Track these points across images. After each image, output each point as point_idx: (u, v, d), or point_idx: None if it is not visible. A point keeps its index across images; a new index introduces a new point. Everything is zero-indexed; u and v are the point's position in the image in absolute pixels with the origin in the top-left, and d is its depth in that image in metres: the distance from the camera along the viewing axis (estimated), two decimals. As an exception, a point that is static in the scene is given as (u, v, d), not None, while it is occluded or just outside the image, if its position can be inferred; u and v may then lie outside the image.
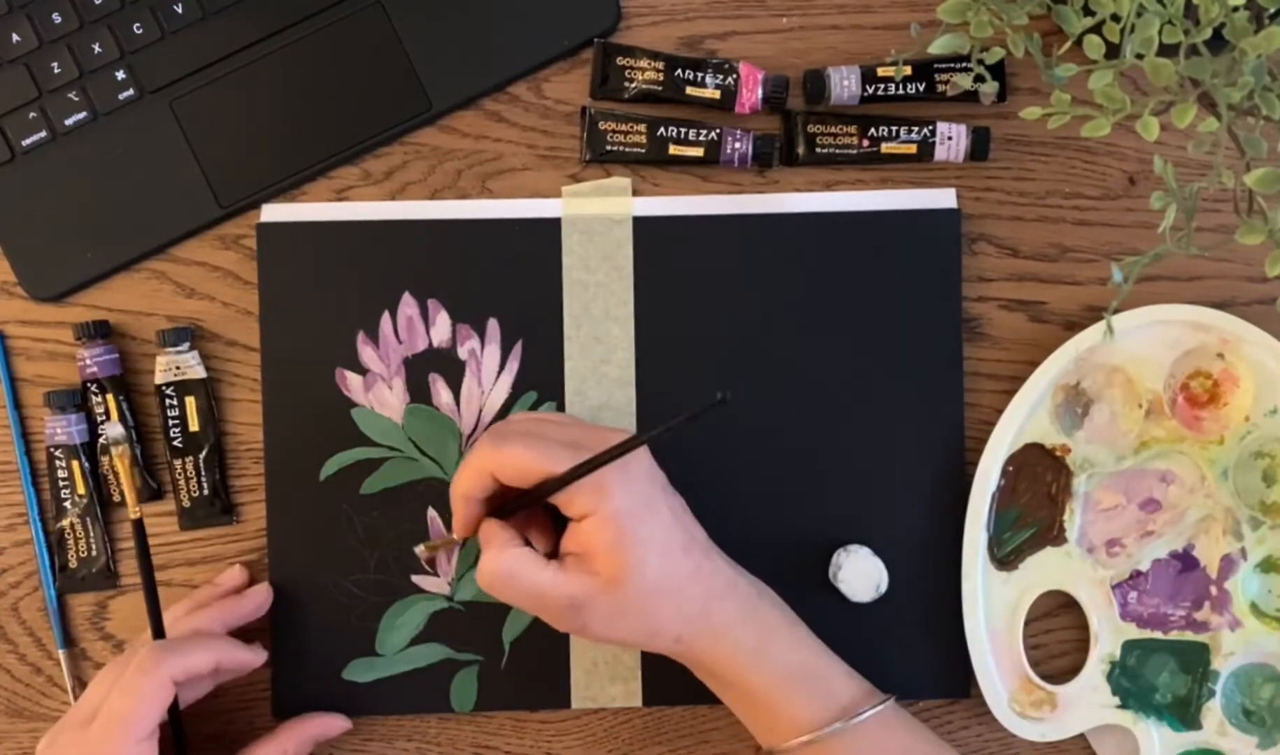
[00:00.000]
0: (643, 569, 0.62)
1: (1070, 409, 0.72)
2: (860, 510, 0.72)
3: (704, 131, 0.72)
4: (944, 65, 0.72)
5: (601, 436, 0.64)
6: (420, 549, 0.70)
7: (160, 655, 0.63)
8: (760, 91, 0.72)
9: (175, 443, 0.71)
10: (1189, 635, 0.71)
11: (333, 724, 0.70)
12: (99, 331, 0.71)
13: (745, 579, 0.66)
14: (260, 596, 0.70)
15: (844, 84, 0.72)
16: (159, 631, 0.66)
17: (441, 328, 0.72)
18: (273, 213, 0.72)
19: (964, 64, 0.71)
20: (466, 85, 0.73)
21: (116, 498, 0.71)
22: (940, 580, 0.71)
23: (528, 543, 0.64)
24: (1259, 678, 0.71)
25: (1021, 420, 0.71)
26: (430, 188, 0.73)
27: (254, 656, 0.68)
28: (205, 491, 0.72)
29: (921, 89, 0.72)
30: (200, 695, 0.68)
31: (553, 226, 0.72)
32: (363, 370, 0.72)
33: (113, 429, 0.66)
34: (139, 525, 0.66)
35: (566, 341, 0.72)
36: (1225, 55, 0.58)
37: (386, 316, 0.72)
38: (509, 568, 0.63)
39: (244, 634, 0.69)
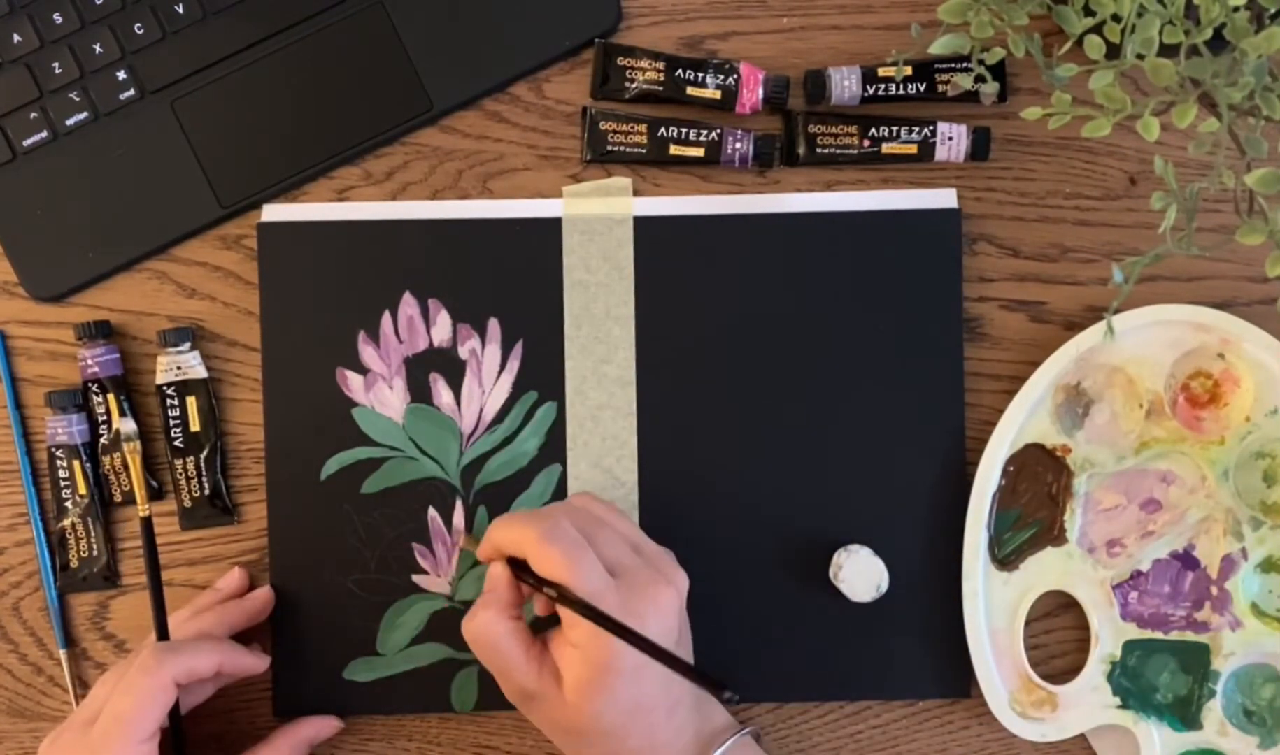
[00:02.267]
0: (600, 716, 0.61)
1: (1071, 409, 0.72)
2: (860, 510, 0.72)
3: (704, 132, 0.72)
4: (945, 65, 0.72)
5: (647, 576, 0.63)
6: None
7: (163, 656, 0.63)
8: (761, 92, 0.72)
9: (176, 443, 0.71)
10: (1189, 635, 0.71)
11: (326, 725, 0.70)
12: (100, 331, 0.71)
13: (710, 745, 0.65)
14: (262, 601, 0.70)
15: (844, 84, 0.72)
16: (163, 632, 0.66)
17: (442, 327, 0.72)
18: (274, 213, 0.72)
19: (965, 64, 0.71)
20: (467, 85, 0.73)
21: (118, 498, 0.71)
22: (940, 580, 0.71)
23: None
24: (1259, 678, 0.71)
25: (1022, 420, 0.71)
26: (431, 188, 0.73)
27: (257, 662, 0.68)
28: (206, 491, 0.72)
29: (922, 89, 0.72)
30: (201, 699, 0.68)
31: (553, 226, 0.72)
32: (363, 370, 0.72)
33: (127, 424, 0.66)
34: (148, 523, 0.66)
35: (567, 341, 0.72)
36: (1226, 55, 0.58)
37: (387, 316, 0.72)
38: (495, 637, 0.62)
39: (245, 634, 0.69)
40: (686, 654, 0.66)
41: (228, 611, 0.69)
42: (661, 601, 0.62)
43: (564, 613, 0.62)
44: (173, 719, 0.65)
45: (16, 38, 0.71)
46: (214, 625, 0.68)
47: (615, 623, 0.60)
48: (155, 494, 0.72)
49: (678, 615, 0.63)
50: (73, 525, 0.71)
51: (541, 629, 0.64)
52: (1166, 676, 0.71)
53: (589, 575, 0.61)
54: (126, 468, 0.71)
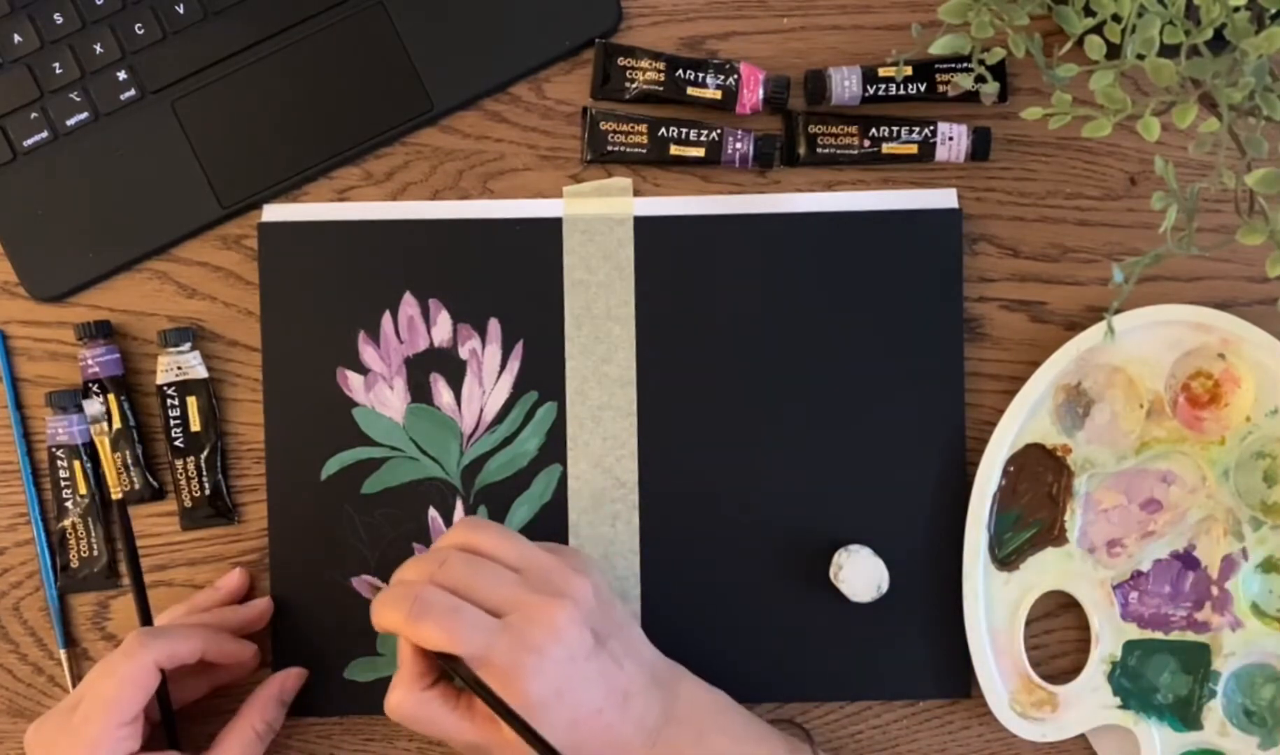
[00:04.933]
0: (549, 736, 0.60)
1: (1071, 409, 0.72)
2: (860, 510, 0.72)
3: (705, 132, 0.72)
4: (945, 65, 0.72)
5: (534, 604, 0.61)
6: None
7: (144, 639, 0.63)
8: (761, 92, 0.72)
9: (177, 443, 0.71)
10: (1190, 635, 0.71)
11: (289, 677, 0.70)
12: (100, 331, 0.71)
13: (674, 722, 0.64)
14: (260, 608, 0.70)
15: (845, 84, 0.72)
16: (145, 618, 0.66)
17: (442, 327, 0.72)
18: (274, 213, 0.72)
19: (965, 64, 0.71)
20: (468, 86, 0.73)
21: (118, 497, 0.71)
22: (941, 580, 0.71)
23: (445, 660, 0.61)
24: (1260, 678, 0.71)
25: (1022, 420, 0.71)
26: (431, 188, 0.73)
27: (243, 650, 0.68)
28: (206, 491, 0.72)
29: (922, 89, 0.72)
30: (197, 695, 0.69)
31: (554, 226, 0.72)
32: (364, 370, 0.72)
33: (90, 406, 0.65)
34: (122, 506, 0.65)
35: (567, 341, 0.72)
36: (1226, 56, 0.58)
37: (388, 316, 0.72)
38: (414, 710, 0.62)
39: (245, 638, 0.70)
40: (626, 631, 0.65)
41: (223, 614, 0.69)
42: (557, 623, 0.61)
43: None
44: (164, 712, 0.66)
45: (17, 38, 0.71)
46: (207, 623, 0.68)
47: (493, 697, 0.59)
48: (156, 494, 0.72)
49: (583, 623, 0.62)
50: (73, 525, 0.71)
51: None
52: (1167, 676, 0.71)
53: (469, 638, 0.60)
54: (128, 467, 0.71)
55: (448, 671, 0.63)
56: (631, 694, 0.63)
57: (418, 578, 0.62)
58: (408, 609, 0.60)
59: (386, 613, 0.61)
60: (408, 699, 0.62)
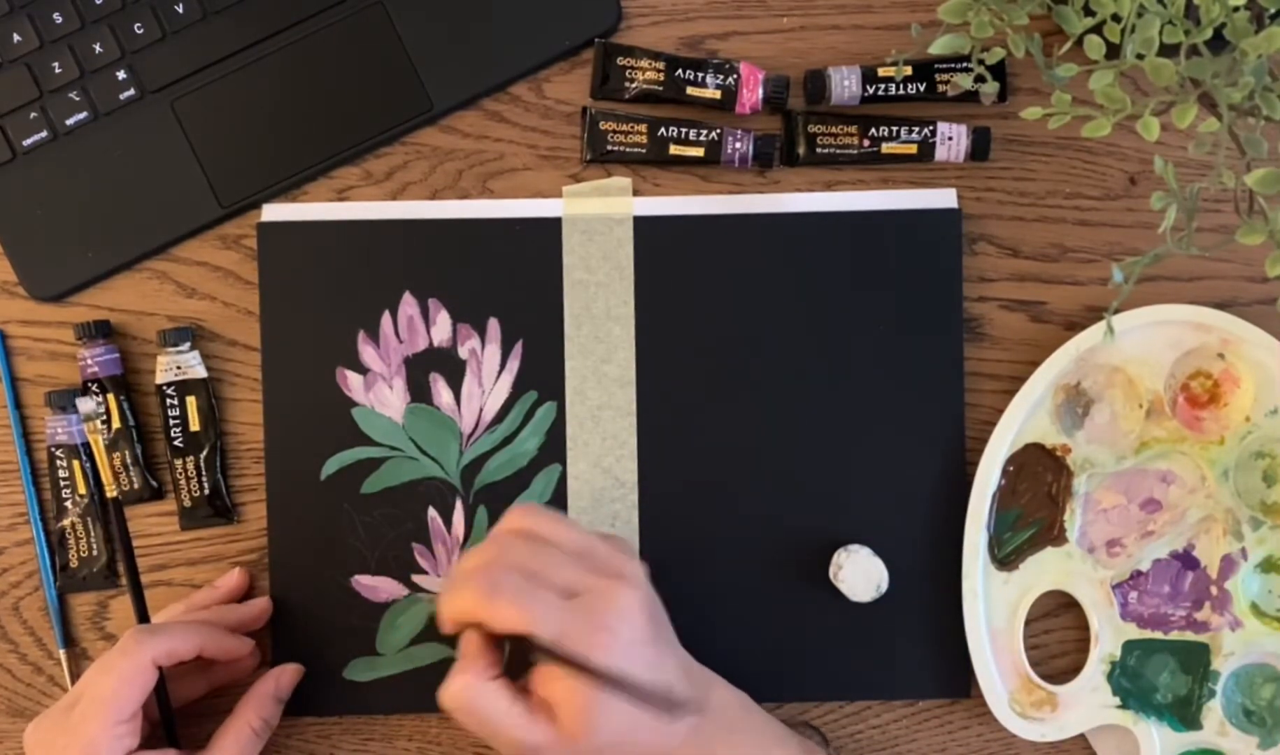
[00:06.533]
0: (605, 731, 0.60)
1: (1071, 409, 0.72)
2: (860, 510, 0.72)
3: (704, 131, 0.72)
4: (945, 65, 0.72)
5: (604, 587, 0.61)
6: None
7: (141, 637, 0.63)
8: (761, 92, 0.72)
9: (176, 442, 0.71)
10: (1189, 635, 0.71)
11: (284, 673, 0.69)
12: (100, 331, 0.71)
13: (708, 718, 0.64)
14: (258, 607, 0.70)
15: (844, 84, 0.72)
16: (142, 616, 0.66)
17: (442, 327, 0.72)
18: (274, 212, 0.72)
19: (965, 64, 0.71)
20: (467, 85, 0.73)
21: (112, 493, 0.71)
22: (940, 580, 0.71)
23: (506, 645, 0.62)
24: (1259, 678, 0.71)
25: (1022, 420, 0.71)
26: (431, 188, 0.73)
27: (242, 646, 0.68)
28: (206, 491, 0.72)
29: (922, 89, 0.72)
30: (196, 694, 0.69)
31: (553, 226, 0.72)
32: (363, 369, 0.72)
33: (84, 404, 0.65)
34: (118, 504, 0.65)
35: (567, 341, 0.72)
36: (1226, 55, 0.58)
37: (387, 316, 0.72)
38: (475, 700, 0.61)
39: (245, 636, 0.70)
40: (668, 624, 0.65)
41: (221, 613, 0.69)
42: (626, 607, 0.61)
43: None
44: (163, 710, 0.66)
45: (16, 38, 0.71)
46: (205, 620, 0.68)
47: (586, 665, 0.59)
48: (155, 494, 0.72)
49: (645, 609, 0.62)
50: (72, 525, 0.71)
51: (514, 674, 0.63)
52: (1166, 676, 0.71)
53: (544, 616, 0.59)
54: (127, 467, 0.71)
55: (508, 664, 0.62)
56: (673, 685, 0.63)
57: (482, 563, 0.62)
58: (481, 589, 0.60)
59: (457, 596, 0.61)
60: (471, 687, 0.61)
